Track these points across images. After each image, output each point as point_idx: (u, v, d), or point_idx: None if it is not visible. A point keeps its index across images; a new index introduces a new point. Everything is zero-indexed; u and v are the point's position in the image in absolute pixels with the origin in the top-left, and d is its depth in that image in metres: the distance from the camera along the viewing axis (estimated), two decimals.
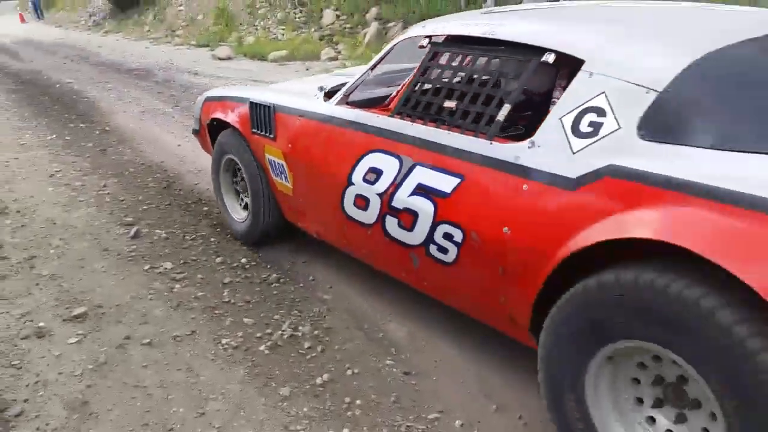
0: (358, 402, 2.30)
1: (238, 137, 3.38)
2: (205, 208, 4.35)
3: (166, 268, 3.42)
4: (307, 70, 9.86)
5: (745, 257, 1.26)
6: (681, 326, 1.36)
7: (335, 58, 10.59)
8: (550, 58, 1.92)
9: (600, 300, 1.52)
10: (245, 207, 3.64)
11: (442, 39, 2.39)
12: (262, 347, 2.67)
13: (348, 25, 11.87)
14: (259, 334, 2.78)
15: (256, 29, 13.75)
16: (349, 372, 2.48)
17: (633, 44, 1.86)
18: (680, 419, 1.52)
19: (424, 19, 9.65)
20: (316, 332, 2.79)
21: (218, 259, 3.55)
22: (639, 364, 1.57)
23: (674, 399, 1.53)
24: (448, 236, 2.03)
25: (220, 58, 11.82)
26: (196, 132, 4.04)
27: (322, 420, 2.22)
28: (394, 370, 2.48)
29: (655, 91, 1.60)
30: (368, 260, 2.80)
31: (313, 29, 12.35)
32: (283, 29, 13.01)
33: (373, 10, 11.58)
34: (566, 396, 1.69)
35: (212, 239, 3.84)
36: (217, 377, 2.48)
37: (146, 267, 3.45)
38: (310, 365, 2.55)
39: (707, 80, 1.64)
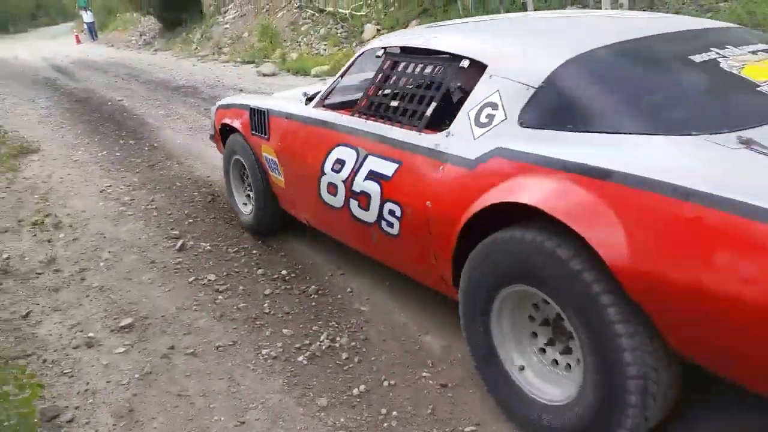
0: (394, 413, 2.31)
1: (241, 139, 3.83)
2: None
3: (209, 280, 3.52)
4: None
5: (587, 219, 1.60)
6: (547, 273, 1.75)
7: None
8: (465, 63, 2.33)
9: (495, 254, 1.95)
10: (250, 201, 4.06)
11: (393, 50, 2.84)
12: (300, 358, 2.72)
13: None
14: (298, 345, 2.82)
15: (299, 45, 14.01)
16: (385, 383, 2.50)
17: (524, 50, 2.28)
18: (566, 351, 1.94)
19: None
20: (353, 343, 2.82)
21: (259, 271, 3.63)
22: (534, 306, 2.01)
23: (558, 333, 1.95)
24: (392, 213, 2.44)
25: (264, 75, 12.08)
26: (212, 137, 4.55)
27: (359, 431, 2.24)
28: (431, 382, 2.48)
29: (533, 87, 2.00)
30: (344, 240, 3.22)
31: (354, 44, 12.51)
32: (326, 44, 13.22)
33: (413, 23, 11.66)
34: (477, 328, 2.14)
35: (254, 252, 3.93)
36: (257, 387, 2.53)
37: (191, 279, 3.55)
38: (347, 376, 2.58)
39: (576, 76, 1.98)
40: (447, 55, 2.45)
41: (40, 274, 3.78)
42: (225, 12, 19.51)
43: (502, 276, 1.95)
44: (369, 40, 12.21)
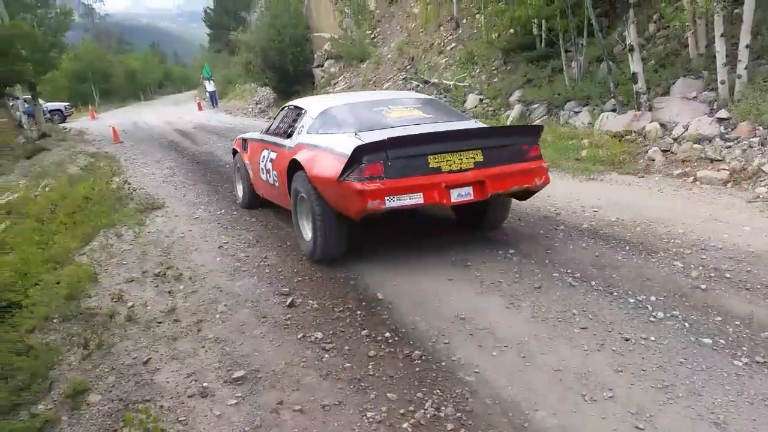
0: None
1: (237, 155, 7.33)
2: (352, 282, 4.54)
3: (316, 338, 3.60)
4: None
5: (308, 164, 4.82)
6: (302, 185, 4.93)
7: None
8: (302, 110, 5.71)
9: (295, 181, 5.08)
10: (242, 188, 7.18)
11: (288, 106, 6.27)
12: (405, 425, 2.68)
13: (491, 108, 12.15)
14: (402, 411, 2.80)
15: None
16: None
17: (316, 103, 5.68)
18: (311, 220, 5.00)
19: (568, 101, 9.61)
20: (458, 414, 2.75)
21: (364, 332, 3.67)
22: (302, 199, 5.09)
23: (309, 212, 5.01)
24: (273, 176, 5.79)
25: None
26: (233, 154, 7.60)
27: None
28: None
29: (312, 118, 5.33)
30: (268, 197, 6.44)
31: None
32: (470, 116, 13.60)
33: (517, 93, 11.78)
34: (294, 211, 5.28)
35: (358, 312, 3.98)
36: None
37: (299, 335, 3.65)
38: None
39: (325, 114, 5.29)
40: (298, 107, 5.90)
41: (160, 323, 4.02)
42: (335, 84, 20.66)
43: (296, 189, 5.05)
44: (471, 108, 12.44)
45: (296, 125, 5.52)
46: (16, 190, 12.17)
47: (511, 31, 13.01)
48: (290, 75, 22.75)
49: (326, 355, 3.39)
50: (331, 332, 3.68)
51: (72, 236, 6.24)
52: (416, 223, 5.81)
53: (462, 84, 13.51)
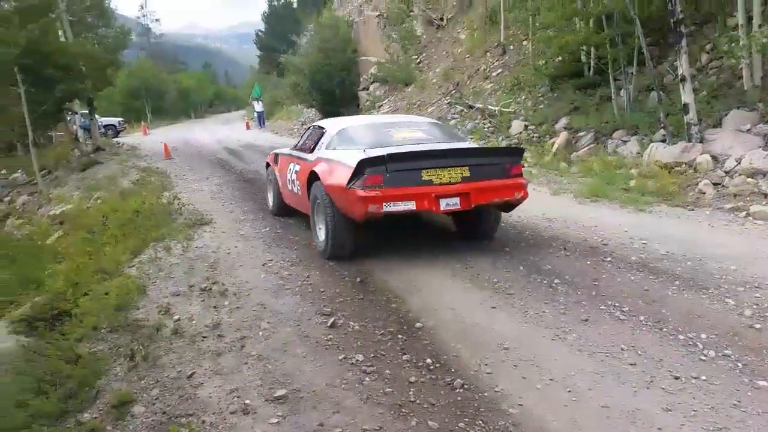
0: None
1: (270, 168, 8.15)
2: (394, 305, 4.52)
3: (357, 360, 3.59)
4: None
5: (324, 175, 5.63)
6: (319, 192, 5.77)
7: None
8: (323, 129, 6.56)
9: (313, 189, 5.93)
10: (273, 196, 8.04)
11: (313, 125, 7.09)
12: None
13: (536, 135, 12.06)
14: None
15: None
16: None
17: (335, 124, 6.64)
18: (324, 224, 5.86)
19: (616, 130, 9.48)
20: None
21: (405, 357, 3.65)
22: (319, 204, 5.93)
23: (321, 214, 5.91)
24: (297, 185, 6.63)
25: None
26: (267, 167, 8.49)
27: None
28: None
29: (332, 136, 6.22)
30: (299, 209, 6.99)
31: (500, 138, 12.73)
32: (472, 137, 13.60)
33: (563, 120, 11.67)
34: (312, 214, 6.09)
35: (399, 336, 3.97)
36: None
37: (340, 357, 3.65)
38: None
39: (342, 132, 6.21)
40: (320, 127, 6.73)
41: (205, 337, 4.09)
42: (379, 106, 20.88)
43: (314, 196, 5.87)
44: (516, 134, 12.38)
45: (318, 142, 6.39)
46: (70, 201, 12.66)
47: (559, 58, 12.95)
48: (336, 97, 23.13)
49: (367, 378, 3.38)
50: (372, 355, 3.67)
51: (122, 248, 6.43)
52: (456, 250, 5.78)
53: (507, 110, 13.47)
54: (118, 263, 5.91)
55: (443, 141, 6.03)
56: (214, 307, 4.64)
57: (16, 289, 8.14)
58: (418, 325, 4.11)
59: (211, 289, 5.03)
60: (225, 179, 11.71)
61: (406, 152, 5.30)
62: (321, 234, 5.83)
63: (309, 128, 7.20)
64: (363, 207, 5.00)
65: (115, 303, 4.74)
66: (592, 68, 12.09)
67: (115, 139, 23.62)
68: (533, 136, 12.11)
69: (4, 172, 21.24)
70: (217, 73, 76.69)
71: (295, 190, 6.68)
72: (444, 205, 5.18)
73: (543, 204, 7.47)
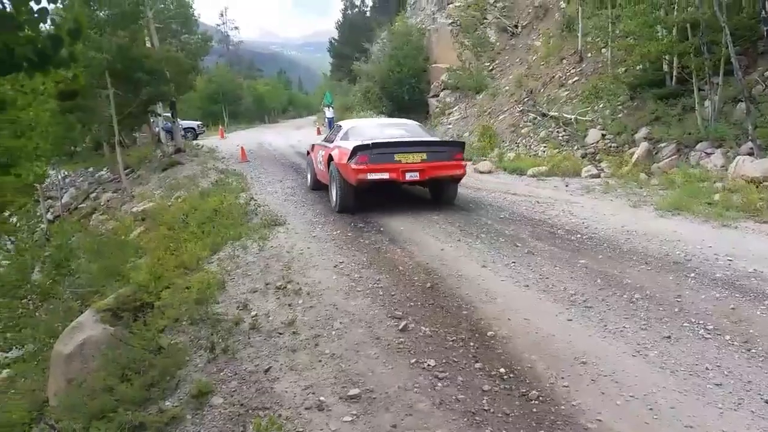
0: None
1: (310, 155, 10.66)
2: (465, 312, 4.48)
3: (429, 365, 3.59)
4: (567, 186, 9.86)
5: (336, 157, 8.21)
6: (333, 169, 8.45)
7: (597, 176, 10.43)
8: (344, 127, 9.29)
9: (331, 165, 8.53)
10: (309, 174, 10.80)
11: (338, 124, 10.04)
12: None
13: (614, 144, 11.68)
14: None
15: (518, 146, 14.31)
16: None
17: (352, 123, 9.84)
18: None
19: (699, 142, 9.06)
20: None
21: (477, 365, 3.61)
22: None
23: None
24: (322, 165, 9.14)
25: (480, 172, 12.49)
26: (307, 154, 11.12)
27: None
28: None
29: (345, 131, 9.02)
30: (323, 181, 9.37)
31: (576, 147, 12.41)
32: (545, 146, 13.32)
33: (643, 130, 11.25)
34: (330, 183, 8.67)
35: (471, 343, 3.93)
36: None
37: (412, 360, 3.65)
38: None
39: (353, 129, 9.02)
40: (340, 125, 9.60)
41: (281, 333, 4.19)
42: (449, 113, 20.82)
43: (331, 171, 8.45)
44: (593, 143, 12.03)
45: (336, 135, 9.15)
46: (152, 199, 13.29)
47: (639, 66, 12.50)
48: (406, 104, 23.23)
49: (439, 384, 3.37)
50: (444, 361, 3.66)
51: (202, 245, 6.69)
52: (531, 261, 5.67)
53: (584, 118, 13.13)
54: (199, 259, 6.15)
55: (417, 136, 8.85)
56: (289, 305, 4.75)
57: (102, 281, 8.64)
58: (490, 333, 4.06)
59: (285, 287, 5.16)
60: (297, 182, 11.97)
61: (384, 142, 8.06)
62: (333, 196, 8.49)
63: (335, 126, 10.13)
64: (355, 175, 7.71)
65: (196, 297, 4.94)
66: (674, 77, 11.59)
67: (195, 142, 24.61)
68: (611, 146, 11.74)
69: (91, 169, 22.57)
70: (290, 79, 78.71)
71: (322, 168, 9.30)
72: (408, 176, 7.86)
73: (622, 216, 7.23)
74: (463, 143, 8.74)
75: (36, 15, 2.37)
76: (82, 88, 12.71)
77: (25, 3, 2.36)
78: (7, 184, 5.04)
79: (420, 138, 8.78)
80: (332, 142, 8.97)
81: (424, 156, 7.87)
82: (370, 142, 7.84)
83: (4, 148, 5.31)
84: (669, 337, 3.86)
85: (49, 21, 2.47)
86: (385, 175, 7.71)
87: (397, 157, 7.76)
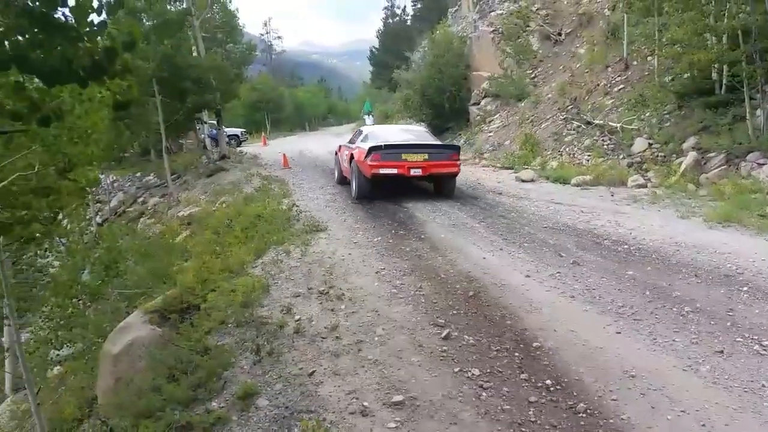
0: None
1: (337, 155, 12.55)
2: (509, 322, 4.44)
3: (473, 374, 3.56)
4: (612, 195, 9.67)
5: (357, 156, 9.97)
6: (354, 165, 10.41)
7: (644, 185, 10.20)
8: (364, 131, 11.51)
9: (353, 162, 10.47)
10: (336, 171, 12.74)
11: (360, 128, 13.82)
12: None
13: (661, 154, 11.39)
14: None
15: (561, 155, 14.10)
16: None
17: (371, 129, 12.20)
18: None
19: (751, 152, 8.79)
20: None
21: (523, 375, 3.57)
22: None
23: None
24: (346, 162, 11.11)
25: (523, 180, 12.34)
26: (335, 154, 12.96)
27: None
28: None
29: (365, 134, 11.11)
30: (347, 176, 11.21)
31: (621, 156, 12.16)
32: (589, 155, 13.09)
33: (691, 140, 10.94)
34: (351, 176, 10.63)
35: (516, 354, 3.89)
36: None
37: (456, 369, 3.63)
38: None
39: (373, 132, 11.32)
40: (361, 130, 11.85)
41: (324, 338, 4.23)
42: (490, 121, 20.67)
43: (352, 167, 10.29)
44: (639, 153, 11.78)
45: (357, 138, 11.06)
46: (198, 204, 13.60)
47: (687, 74, 12.19)
48: (446, 112, 23.13)
49: (484, 394, 3.34)
50: (488, 371, 3.63)
51: (246, 250, 6.80)
52: (578, 272, 5.58)
53: (629, 127, 12.86)
54: (243, 263, 6.25)
55: (422, 140, 10.64)
56: (332, 310, 4.78)
57: (149, 283, 8.87)
58: (535, 344, 4.00)
59: (328, 292, 5.20)
60: (338, 189, 12.06)
61: (394, 144, 9.86)
62: (354, 186, 10.26)
63: (357, 131, 12.49)
64: (369, 170, 9.48)
65: (241, 300, 5.02)
66: (724, 86, 11.25)
67: (238, 149, 25.08)
68: (658, 155, 11.46)
69: (139, 174, 23.23)
70: (330, 87, 79.54)
71: (345, 165, 11.21)
72: (412, 172, 9.56)
73: (670, 227, 7.05)
74: (459, 147, 11.20)
75: (96, 28, 2.46)
76: (136, 98, 13.23)
77: (85, 16, 2.45)
78: (64, 188, 5.23)
79: (424, 141, 10.56)
80: (354, 143, 10.77)
81: (426, 156, 9.58)
82: (382, 143, 9.58)
83: (63, 154, 5.51)
84: (721, 351, 3.75)
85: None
86: (394, 171, 9.43)
87: (404, 156, 9.49)
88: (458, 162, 10.00)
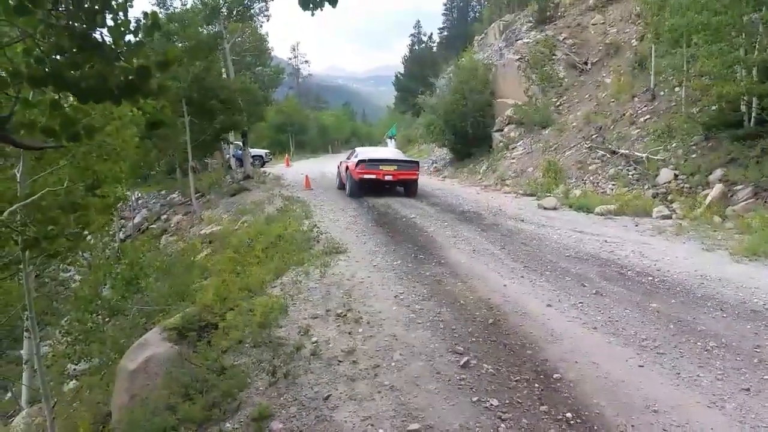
0: None
1: (340, 168, 17.49)
2: (529, 352, 4.36)
3: (492, 405, 3.50)
4: (636, 226, 9.54)
5: (354, 170, 14.50)
6: (348, 174, 15.70)
7: (669, 217, 10.05)
8: (356, 154, 15.74)
9: (347, 172, 15.94)
10: (341, 182, 16.89)
11: (353, 150, 17.44)
12: None
13: (687, 185, 11.24)
14: None
15: (584, 183, 13.99)
16: None
17: (361, 149, 16.85)
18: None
19: None
20: None
21: (542, 408, 3.49)
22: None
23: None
24: (344, 173, 16.00)
25: (545, 208, 12.24)
26: (338, 167, 18.15)
27: None
28: None
29: (357, 152, 15.87)
30: (344, 182, 16.09)
31: (646, 186, 12.01)
32: (614, 185, 12.96)
33: (718, 172, 10.78)
34: (347, 184, 15.73)
35: (536, 385, 3.81)
36: None
37: (474, 398, 3.57)
38: None
39: (364, 154, 15.41)
40: (355, 151, 16.37)
41: (341, 362, 4.20)
42: (513, 148, 20.64)
43: (347, 175, 15.45)
44: (664, 183, 11.64)
45: (352, 155, 15.46)
46: (220, 222, 13.73)
47: (715, 106, 12.06)
48: (469, 137, 23.17)
49: (503, 426, 3.28)
50: (507, 401, 3.56)
51: (266, 269, 6.83)
52: (600, 303, 5.48)
53: (655, 157, 12.73)
54: (263, 283, 6.27)
55: (394, 156, 15.36)
56: (349, 333, 4.76)
57: (169, 300, 8.93)
58: (556, 376, 3.92)
59: (346, 315, 5.18)
60: (358, 211, 12.11)
61: (374, 158, 14.40)
62: (347, 187, 14.91)
63: (351, 150, 17.46)
64: (357, 176, 14.01)
65: (259, 320, 5.02)
66: (753, 118, 11.11)
67: (261, 169, 25.37)
68: (683, 187, 11.30)
69: (163, 192, 23.58)
70: (355, 111, 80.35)
71: (344, 174, 15.67)
72: (386, 177, 14.00)
73: (695, 259, 6.91)
74: (418, 161, 16.48)
75: (133, 47, 2.52)
76: (168, 118, 13.69)
77: (122, 36, 2.51)
78: (92, 204, 5.32)
79: (395, 157, 15.25)
80: (349, 159, 15.47)
81: (396, 167, 14.31)
82: (366, 159, 14.29)
83: (92, 171, 5.63)
84: (748, 389, 3.63)
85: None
86: (373, 176, 14.02)
87: (381, 167, 14.14)
88: (417, 171, 15.00)
